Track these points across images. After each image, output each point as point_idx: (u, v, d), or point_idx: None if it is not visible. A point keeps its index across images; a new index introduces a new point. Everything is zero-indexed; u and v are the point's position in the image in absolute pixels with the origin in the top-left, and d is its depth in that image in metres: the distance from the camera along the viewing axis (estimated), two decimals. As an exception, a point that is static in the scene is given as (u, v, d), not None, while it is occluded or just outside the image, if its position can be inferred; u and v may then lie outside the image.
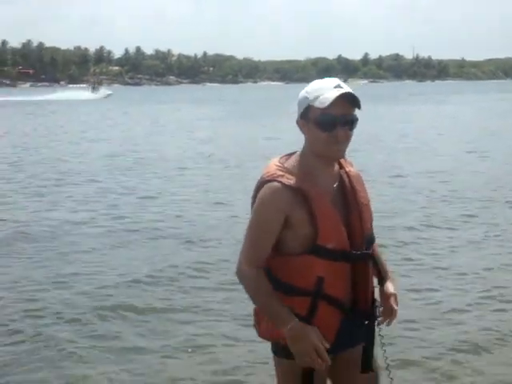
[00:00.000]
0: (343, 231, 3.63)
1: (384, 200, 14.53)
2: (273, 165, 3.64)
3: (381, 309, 3.82)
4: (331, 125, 3.50)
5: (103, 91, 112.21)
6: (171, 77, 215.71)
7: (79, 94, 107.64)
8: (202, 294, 8.58)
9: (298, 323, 3.46)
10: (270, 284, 3.57)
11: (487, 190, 15.76)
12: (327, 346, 3.47)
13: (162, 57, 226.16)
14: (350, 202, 3.69)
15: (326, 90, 3.49)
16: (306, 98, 3.54)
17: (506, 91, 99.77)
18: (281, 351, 3.72)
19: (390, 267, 4.19)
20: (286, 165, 3.63)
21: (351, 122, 3.55)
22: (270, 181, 3.57)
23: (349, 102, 3.50)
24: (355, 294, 3.73)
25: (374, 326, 3.86)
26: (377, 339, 3.89)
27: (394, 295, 3.81)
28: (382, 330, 3.90)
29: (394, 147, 25.82)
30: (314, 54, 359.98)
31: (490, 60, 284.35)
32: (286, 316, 3.49)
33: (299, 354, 3.49)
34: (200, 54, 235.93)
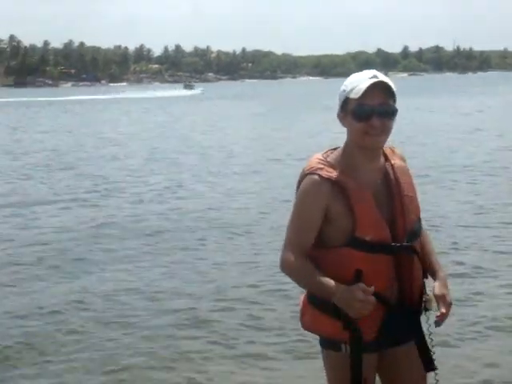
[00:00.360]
0: (383, 223, 3.63)
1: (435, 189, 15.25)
2: (315, 159, 3.71)
3: (433, 305, 3.76)
4: (366, 115, 3.55)
5: (197, 89, 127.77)
6: (210, 74, 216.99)
7: (176, 91, 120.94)
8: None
9: (342, 287, 3.50)
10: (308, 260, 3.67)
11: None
12: (372, 289, 3.47)
13: (201, 54, 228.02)
14: (393, 194, 3.70)
15: (361, 81, 3.54)
16: (344, 90, 3.60)
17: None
18: (327, 344, 3.79)
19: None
20: (328, 159, 3.69)
21: (390, 113, 3.58)
22: (310, 174, 3.65)
23: (384, 91, 3.55)
24: (400, 288, 3.72)
25: (420, 321, 3.88)
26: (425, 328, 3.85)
27: (442, 296, 3.70)
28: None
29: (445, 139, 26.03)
30: (353, 47, 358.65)
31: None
32: (332, 287, 3.52)
33: (354, 314, 3.51)
34: (239, 51, 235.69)
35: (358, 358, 3.61)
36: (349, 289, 3.45)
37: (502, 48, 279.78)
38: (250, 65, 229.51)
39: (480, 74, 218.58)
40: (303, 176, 3.70)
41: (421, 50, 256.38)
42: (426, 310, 3.79)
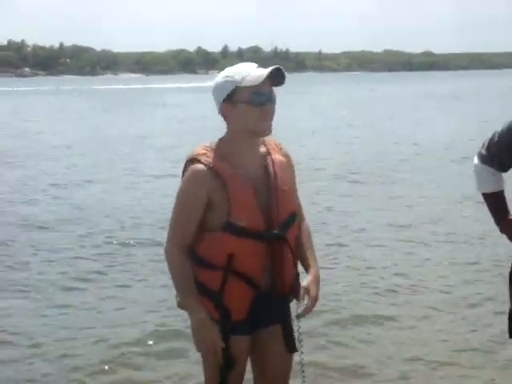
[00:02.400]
0: (256, 211, 3.78)
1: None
2: (199, 146, 3.92)
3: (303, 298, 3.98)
4: (262, 101, 3.80)
5: None
6: (26, 68, 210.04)
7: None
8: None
9: (205, 318, 3.79)
10: (190, 263, 3.86)
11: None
12: (223, 345, 3.82)
13: (16, 47, 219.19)
14: (271, 186, 3.86)
15: (250, 70, 3.82)
16: (231, 81, 3.81)
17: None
18: None
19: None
20: (212, 146, 3.90)
21: (275, 99, 3.90)
22: (192, 161, 3.83)
23: (270, 80, 3.78)
24: (273, 274, 3.89)
25: (289, 306, 4.10)
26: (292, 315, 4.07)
27: (309, 290, 3.98)
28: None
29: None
30: (174, 45, 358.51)
31: (345, 53, 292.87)
32: (196, 306, 3.79)
33: (198, 344, 3.86)
34: (56, 45, 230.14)
35: (226, 337, 3.84)
36: (212, 326, 3.84)
37: (316, 50, 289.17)
38: (68, 60, 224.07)
39: (296, 74, 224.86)
40: (187, 163, 3.87)
41: (240, 49, 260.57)
42: (297, 298, 4.05)
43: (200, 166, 3.78)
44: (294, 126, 31.08)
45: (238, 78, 3.80)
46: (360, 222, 13.06)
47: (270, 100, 3.83)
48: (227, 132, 3.94)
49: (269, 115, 3.83)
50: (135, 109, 52.68)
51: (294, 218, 3.96)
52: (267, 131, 3.88)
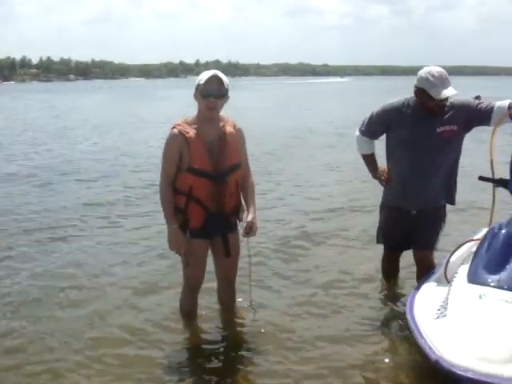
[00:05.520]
0: (207, 160, 4.14)
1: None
2: (180, 119, 4.24)
3: (244, 219, 4.24)
4: (207, 94, 3.94)
5: (345, 78, 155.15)
6: (71, 75, 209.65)
7: (334, 79, 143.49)
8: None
9: (176, 229, 4.13)
10: (171, 191, 4.16)
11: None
12: (186, 246, 4.10)
13: (65, 62, 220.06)
14: (220, 146, 4.13)
15: (206, 75, 3.98)
16: (198, 80, 4.04)
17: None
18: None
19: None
20: (188, 120, 4.22)
21: (221, 94, 3.95)
22: (172, 128, 4.19)
23: (218, 81, 3.95)
24: (218, 202, 4.20)
25: (231, 225, 4.26)
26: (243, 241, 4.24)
27: (249, 222, 4.15)
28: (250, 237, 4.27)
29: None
30: (164, 59, 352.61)
31: (274, 64, 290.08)
32: (171, 221, 4.18)
33: (170, 244, 4.15)
34: (90, 60, 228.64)
35: (186, 238, 4.19)
36: (177, 235, 4.09)
37: (256, 62, 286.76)
38: (98, 70, 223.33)
39: (243, 77, 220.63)
40: (171, 129, 4.24)
41: (207, 62, 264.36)
42: (240, 220, 4.37)
43: (175, 131, 4.10)
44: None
45: (199, 78, 4.08)
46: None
47: (213, 95, 3.97)
48: (197, 111, 4.19)
49: (211, 104, 4.02)
50: (141, 98, 55.36)
51: (235, 168, 4.24)
52: (211, 115, 4.08)
